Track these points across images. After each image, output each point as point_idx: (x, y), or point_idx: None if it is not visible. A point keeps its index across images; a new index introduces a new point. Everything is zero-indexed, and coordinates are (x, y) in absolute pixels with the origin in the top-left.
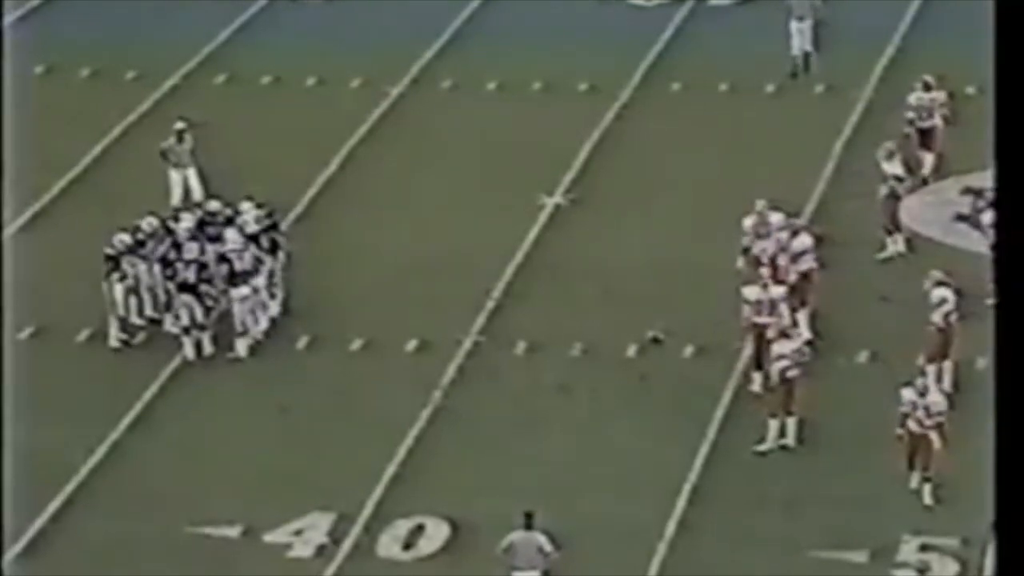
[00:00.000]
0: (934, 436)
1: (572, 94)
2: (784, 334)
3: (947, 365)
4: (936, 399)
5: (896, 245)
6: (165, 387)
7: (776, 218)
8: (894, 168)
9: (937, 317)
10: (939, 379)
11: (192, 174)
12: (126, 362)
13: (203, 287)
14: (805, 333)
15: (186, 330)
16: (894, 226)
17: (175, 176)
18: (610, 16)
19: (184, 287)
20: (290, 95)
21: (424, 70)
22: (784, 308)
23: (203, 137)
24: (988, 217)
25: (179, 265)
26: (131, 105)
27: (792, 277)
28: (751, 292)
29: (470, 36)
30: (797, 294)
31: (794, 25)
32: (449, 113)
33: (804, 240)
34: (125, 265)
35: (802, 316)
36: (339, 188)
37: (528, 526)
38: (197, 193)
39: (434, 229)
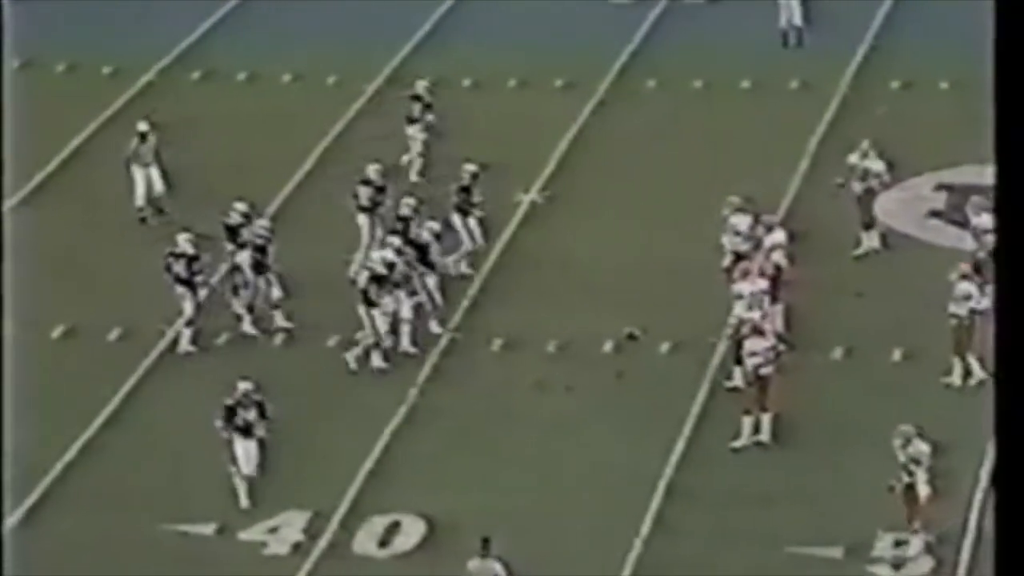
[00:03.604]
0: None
1: (548, 91)
2: (757, 331)
3: (972, 358)
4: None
5: (871, 241)
6: (140, 384)
7: (746, 220)
8: (874, 163)
9: (963, 311)
10: (967, 374)
11: (155, 173)
12: (100, 359)
13: (197, 279)
14: (778, 329)
15: (189, 322)
16: (868, 223)
17: (138, 174)
18: (586, 13)
19: (179, 280)
20: (265, 92)
21: (400, 67)
22: (767, 302)
23: (177, 134)
24: (983, 221)
25: (171, 259)
26: (106, 101)
27: (767, 273)
28: (745, 287)
29: (446, 33)
30: (768, 291)
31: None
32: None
33: (777, 236)
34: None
35: (774, 312)
36: (315, 185)
37: (484, 554)
38: (159, 189)
39: None
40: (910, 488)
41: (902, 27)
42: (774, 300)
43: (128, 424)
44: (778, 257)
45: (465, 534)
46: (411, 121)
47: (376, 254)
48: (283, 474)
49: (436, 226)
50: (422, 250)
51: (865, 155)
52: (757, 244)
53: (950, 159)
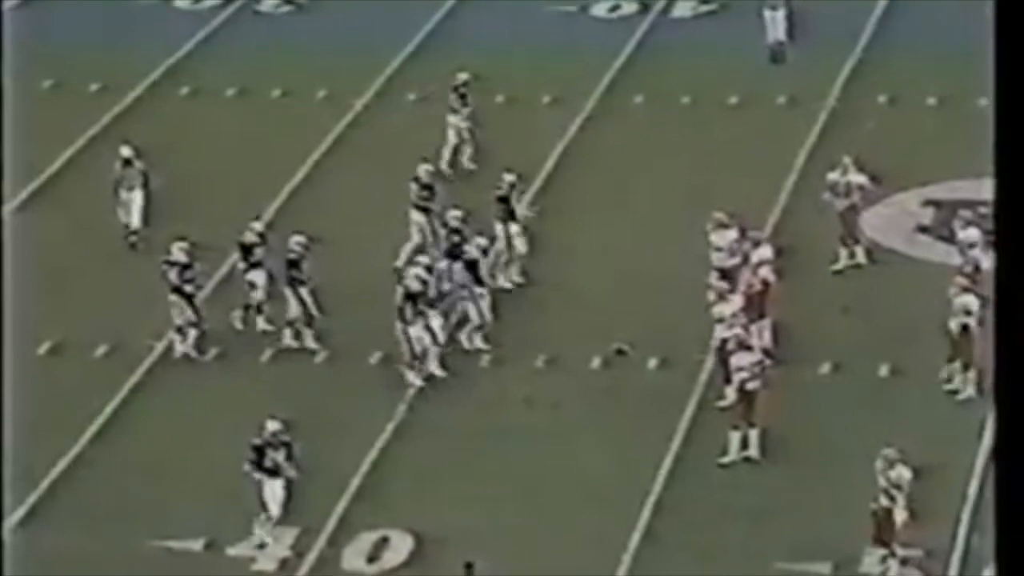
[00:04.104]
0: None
1: (535, 106)
2: (744, 345)
3: (971, 374)
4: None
5: (854, 257)
6: (128, 399)
7: (733, 234)
8: (856, 177)
9: (955, 324)
10: (961, 387)
11: (138, 198)
12: (89, 374)
13: (187, 287)
14: (765, 344)
15: (179, 329)
16: (853, 238)
17: (124, 197)
18: (573, 28)
19: (172, 288)
20: (254, 107)
21: (389, 81)
22: (744, 318)
23: (166, 149)
24: (968, 235)
25: (165, 267)
26: (94, 117)
27: (754, 288)
28: (724, 308)
29: (435, 48)
30: (756, 306)
31: (767, 14)
32: (414, 124)
33: (763, 251)
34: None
35: (762, 327)
36: (304, 200)
37: None
38: (136, 223)
39: (399, 240)
40: (888, 512)
41: (889, 42)
42: (761, 315)
43: (115, 439)
44: (765, 273)
45: (453, 550)
46: (454, 112)
47: (411, 270)
48: None
49: (483, 241)
50: (471, 266)
51: (846, 171)
52: (745, 259)
53: (937, 174)
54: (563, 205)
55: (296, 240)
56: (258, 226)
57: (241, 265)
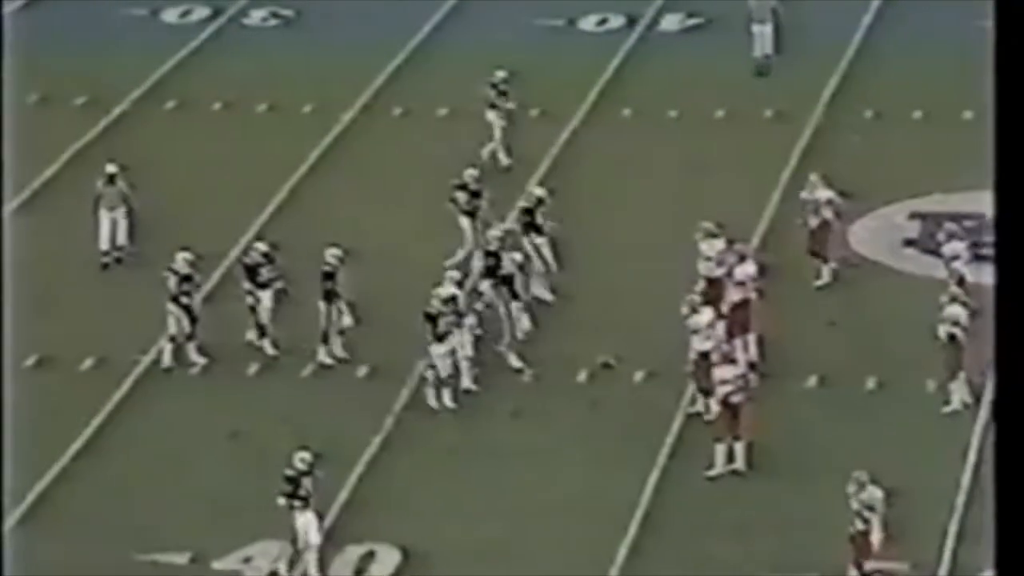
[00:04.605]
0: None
1: (523, 120)
2: (728, 359)
3: (959, 382)
4: (875, 494)
5: (831, 274)
6: (114, 412)
7: (721, 243)
8: (823, 193)
9: (943, 333)
10: (948, 399)
11: (121, 216)
12: (75, 388)
13: (183, 299)
14: (751, 357)
15: (172, 339)
16: (823, 256)
17: (104, 218)
18: (561, 41)
19: (171, 298)
20: (241, 121)
21: (375, 96)
22: (719, 329)
23: (152, 163)
24: (953, 247)
25: (167, 274)
26: (80, 130)
27: (735, 305)
28: (699, 319)
29: (422, 62)
30: (739, 320)
31: (755, 28)
32: (401, 139)
33: (748, 268)
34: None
35: (744, 342)
36: (290, 215)
37: None
38: (122, 237)
39: (386, 255)
40: (864, 535)
41: (875, 56)
42: (746, 329)
43: (102, 453)
44: (747, 291)
45: (439, 564)
46: (492, 107)
47: (435, 291)
48: (257, 503)
49: (519, 256)
50: (507, 281)
51: (814, 188)
52: (729, 272)
53: (923, 188)
54: (550, 218)
55: (332, 252)
56: (262, 246)
57: (246, 285)
